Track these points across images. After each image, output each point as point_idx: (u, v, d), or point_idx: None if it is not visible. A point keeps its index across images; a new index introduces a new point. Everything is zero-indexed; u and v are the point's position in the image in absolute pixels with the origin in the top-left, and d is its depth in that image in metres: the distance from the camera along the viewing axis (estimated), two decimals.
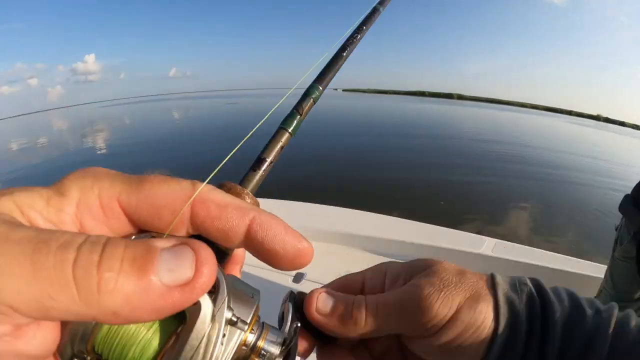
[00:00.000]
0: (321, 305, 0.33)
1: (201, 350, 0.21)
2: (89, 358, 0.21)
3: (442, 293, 0.32)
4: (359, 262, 2.13)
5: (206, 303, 0.21)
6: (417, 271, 0.36)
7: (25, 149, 23.09)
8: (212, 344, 0.21)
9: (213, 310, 0.22)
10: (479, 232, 2.58)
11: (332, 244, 2.30)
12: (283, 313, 0.32)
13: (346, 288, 0.37)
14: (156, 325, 0.22)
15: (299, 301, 0.34)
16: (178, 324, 0.22)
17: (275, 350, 0.26)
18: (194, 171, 9.69)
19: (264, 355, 0.25)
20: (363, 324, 0.32)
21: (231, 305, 0.23)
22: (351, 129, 20.89)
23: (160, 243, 0.19)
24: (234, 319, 0.23)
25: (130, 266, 0.18)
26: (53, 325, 0.21)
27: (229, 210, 0.23)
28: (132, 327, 0.21)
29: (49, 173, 12.75)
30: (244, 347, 0.25)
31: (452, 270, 0.35)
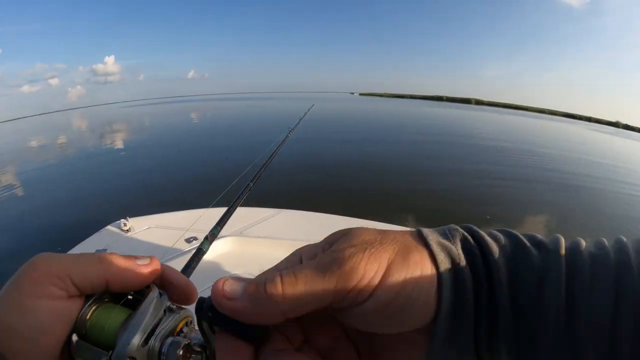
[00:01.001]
0: (229, 289, 0.27)
1: (145, 317, 0.31)
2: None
3: (367, 251, 0.28)
4: None
5: (155, 289, 0.33)
6: (334, 241, 0.31)
7: (46, 146, 23.34)
8: (151, 315, 0.31)
9: (159, 293, 0.33)
10: None
11: None
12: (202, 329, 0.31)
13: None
14: (123, 309, 0.32)
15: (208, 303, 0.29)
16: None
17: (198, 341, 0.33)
18: (208, 177, 9.69)
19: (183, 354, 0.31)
20: (281, 298, 0.26)
21: (173, 305, 0.34)
22: (363, 135, 20.58)
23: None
24: (172, 306, 0.34)
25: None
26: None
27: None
28: (107, 309, 0.32)
29: (67, 172, 12.75)
30: (177, 334, 0.33)
31: (373, 231, 0.31)
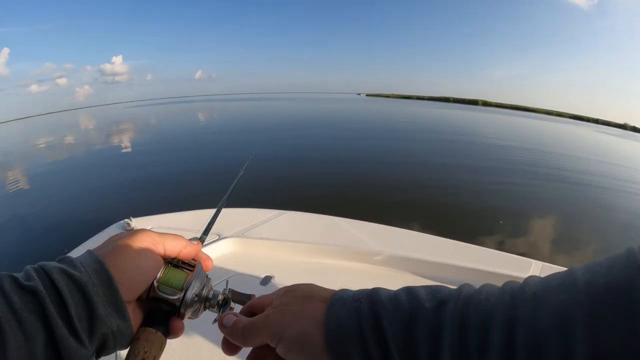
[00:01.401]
0: (225, 322, 0.47)
1: (199, 278, 0.50)
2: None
3: (275, 319, 0.44)
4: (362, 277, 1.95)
5: (200, 263, 0.52)
6: (277, 298, 0.48)
7: (54, 145, 23.58)
8: (200, 277, 0.50)
9: (202, 269, 0.52)
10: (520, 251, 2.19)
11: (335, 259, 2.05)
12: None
13: (255, 308, 0.50)
14: (184, 271, 0.49)
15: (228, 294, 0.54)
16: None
17: (221, 298, 0.53)
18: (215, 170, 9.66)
19: (218, 300, 0.52)
20: (241, 339, 0.45)
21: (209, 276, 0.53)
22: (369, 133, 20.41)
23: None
24: (207, 274, 0.53)
25: (190, 246, 0.53)
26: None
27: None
28: (174, 270, 0.49)
29: (72, 171, 12.87)
30: (210, 290, 0.52)
31: (299, 296, 0.46)
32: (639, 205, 9.29)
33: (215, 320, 0.49)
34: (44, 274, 0.38)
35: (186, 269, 0.50)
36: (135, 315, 0.45)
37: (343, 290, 0.45)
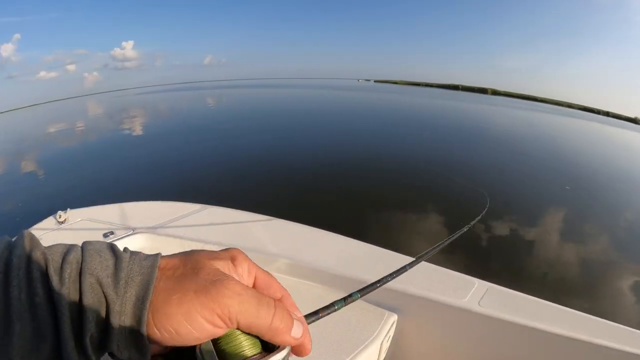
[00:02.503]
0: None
1: None
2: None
3: None
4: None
5: (288, 348, 0.37)
6: None
7: (66, 131, 24.10)
8: None
9: (287, 354, 0.37)
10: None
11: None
12: None
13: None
14: (255, 342, 0.36)
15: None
16: (261, 349, 0.37)
17: None
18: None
19: None
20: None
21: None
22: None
23: (295, 314, 0.40)
24: None
25: (284, 323, 0.36)
26: None
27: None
28: (243, 337, 0.36)
29: (85, 158, 12.94)
30: None
31: None
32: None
33: None
34: (77, 276, 0.34)
35: (261, 344, 0.37)
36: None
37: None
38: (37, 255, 0.33)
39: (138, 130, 19.83)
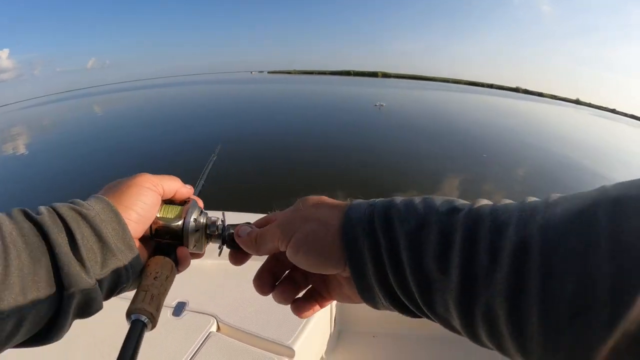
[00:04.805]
0: (241, 232, 0.48)
1: (195, 208, 0.51)
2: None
3: (285, 220, 0.44)
4: None
5: (194, 201, 0.53)
6: (290, 207, 0.48)
7: None
8: (197, 208, 0.51)
9: (194, 204, 0.52)
10: None
11: None
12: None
13: (266, 223, 0.48)
14: (176, 207, 0.51)
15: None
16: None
17: (221, 225, 0.52)
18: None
19: (217, 226, 0.51)
20: (254, 245, 0.46)
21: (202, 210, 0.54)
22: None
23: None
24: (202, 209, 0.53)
25: (185, 187, 0.53)
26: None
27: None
28: (170, 206, 0.51)
29: None
30: (209, 217, 0.53)
31: (309, 204, 0.45)
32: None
33: (220, 250, 0.52)
34: (53, 210, 0.40)
35: (182, 205, 0.52)
36: (142, 253, 0.47)
37: (361, 200, 0.43)
38: (15, 210, 0.39)
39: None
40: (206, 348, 1.27)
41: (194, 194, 0.57)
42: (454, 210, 0.35)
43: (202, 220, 0.51)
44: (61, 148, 15.48)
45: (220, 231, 0.51)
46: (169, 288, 0.46)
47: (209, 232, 0.51)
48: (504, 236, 0.30)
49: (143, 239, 0.48)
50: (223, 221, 0.52)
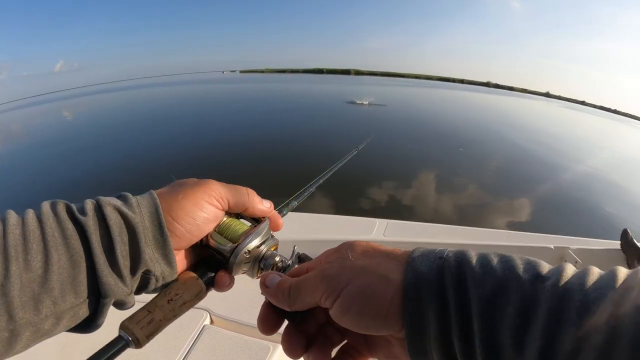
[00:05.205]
0: (268, 282, 0.42)
1: (260, 234, 0.47)
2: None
3: (333, 272, 0.38)
4: None
5: (267, 220, 0.50)
6: (329, 255, 0.43)
7: None
8: (262, 235, 0.48)
9: (267, 225, 0.50)
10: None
11: None
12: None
13: (301, 272, 0.44)
14: (244, 223, 0.49)
15: (301, 257, 0.50)
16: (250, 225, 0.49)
17: (280, 262, 0.49)
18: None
19: (274, 261, 0.48)
20: (287, 298, 0.40)
21: (272, 234, 0.51)
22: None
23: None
24: (272, 234, 0.50)
25: (257, 198, 0.50)
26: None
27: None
28: (235, 221, 0.48)
29: None
30: (272, 250, 0.49)
31: (360, 250, 0.40)
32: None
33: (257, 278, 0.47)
34: (99, 209, 0.39)
35: (249, 222, 0.50)
36: (184, 262, 0.46)
37: (424, 248, 0.39)
38: (61, 205, 0.38)
39: None
40: (202, 341, 1.32)
41: (281, 210, 0.57)
42: (537, 278, 0.32)
43: (263, 249, 0.48)
44: (35, 153, 14.93)
45: (279, 267, 0.48)
46: (182, 314, 0.43)
47: (262, 266, 0.48)
48: (593, 321, 0.28)
49: (191, 247, 0.46)
50: (284, 260, 0.49)
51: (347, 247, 0.41)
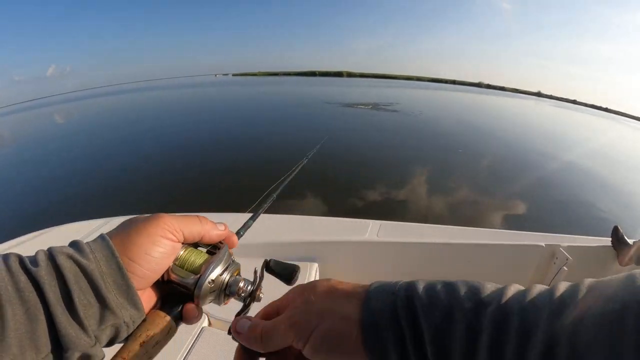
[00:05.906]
0: (239, 328, 0.44)
1: (221, 262, 0.47)
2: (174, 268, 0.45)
3: (302, 317, 0.41)
4: None
5: (226, 246, 0.49)
6: (295, 298, 0.46)
7: None
8: (223, 262, 0.47)
9: (227, 250, 0.49)
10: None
11: None
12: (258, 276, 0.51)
13: (269, 314, 0.47)
14: (202, 252, 0.48)
15: (271, 265, 0.51)
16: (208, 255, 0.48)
17: (245, 287, 0.49)
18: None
19: (239, 287, 0.48)
20: (260, 343, 0.42)
21: (233, 258, 0.50)
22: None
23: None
24: (233, 259, 0.50)
25: (210, 224, 0.49)
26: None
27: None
28: (193, 252, 0.47)
29: None
30: (236, 275, 0.49)
31: (321, 292, 0.44)
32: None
33: (229, 332, 0.46)
34: (52, 258, 0.37)
35: (208, 251, 0.49)
36: (149, 300, 0.45)
37: (379, 283, 0.43)
38: (12, 258, 0.36)
39: None
40: (200, 342, 1.36)
41: (238, 232, 0.57)
42: (480, 304, 0.36)
43: (225, 276, 0.48)
44: (28, 160, 14.67)
45: (241, 294, 0.49)
46: (156, 354, 0.44)
47: (228, 292, 0.48)
48: (531, 342, 0.31)
49: (154, 284, 0.45)
50: (248, 283, 0.50)
51: (310, 290, 0.45)
